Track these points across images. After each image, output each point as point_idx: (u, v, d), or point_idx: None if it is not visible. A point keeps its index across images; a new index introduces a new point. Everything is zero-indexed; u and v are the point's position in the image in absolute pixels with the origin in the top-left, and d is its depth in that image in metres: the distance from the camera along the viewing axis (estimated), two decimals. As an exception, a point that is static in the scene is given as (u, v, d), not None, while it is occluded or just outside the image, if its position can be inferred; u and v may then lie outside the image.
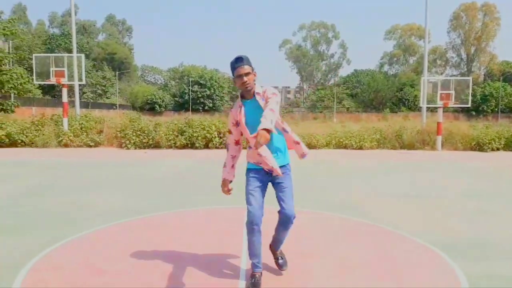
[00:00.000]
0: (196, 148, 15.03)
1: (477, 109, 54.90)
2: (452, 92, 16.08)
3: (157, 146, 15.19)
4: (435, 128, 16.33)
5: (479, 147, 15.72)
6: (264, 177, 3.14)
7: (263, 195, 3.14)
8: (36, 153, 13.31)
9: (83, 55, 17.88)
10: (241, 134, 3.20)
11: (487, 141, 15.55)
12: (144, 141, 14.90)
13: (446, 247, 4.06)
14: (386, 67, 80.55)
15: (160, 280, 3.25)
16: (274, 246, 3.41)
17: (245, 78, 2.97)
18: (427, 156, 14.01)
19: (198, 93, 58.08)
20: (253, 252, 3.14)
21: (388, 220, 5.16)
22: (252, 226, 3.03)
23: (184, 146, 15.20)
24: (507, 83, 58.24)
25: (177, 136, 15.26)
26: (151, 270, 3.46)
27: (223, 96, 61.00)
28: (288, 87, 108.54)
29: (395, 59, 79.27)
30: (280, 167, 3.08)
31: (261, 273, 3.18)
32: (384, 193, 7.14)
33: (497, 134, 15.84)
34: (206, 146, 15.23)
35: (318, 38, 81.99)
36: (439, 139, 15.87)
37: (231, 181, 3.28)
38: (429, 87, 20.44)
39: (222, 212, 5.66)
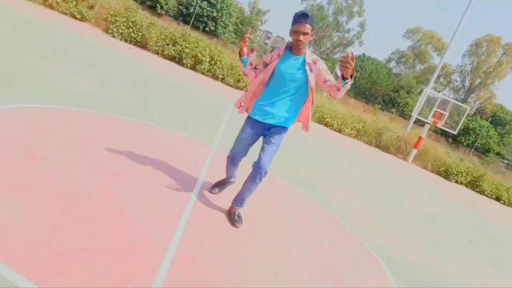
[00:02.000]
0: (183, 64, 14.21)
1: (455, 137, 56.05)
2: (446, 113, 15.92)
3: (143, 46, 14.23)
4: (414, 140, 16.28)
5: (446, 174, 15.89)
6: (260, 130, 3.16)
7: (250, 145, 3.23)
8: (16, 2, 12.07)
9: None
10: (264, 80, 3.09)
11: (456, 172, 15.72)
12: (132, 35, 13.87)
13: (389, 260, 3.87)
14: (392, 64, 79.68)
15: (92, 183, 2.82)
16: (235, 203, 3.35)
17: (302, 37, 2.88)
18: (397, 163, 14.00)
19: (205, 10, 55.20)
20: (228, 173, 3.56)
21: (347, 215, 4.92)
22: (231, 160, 3.34)
23: (170, 58, 14.33)
24: (492, 126, 59.34)
25: (167, 44, 14.31)
26: (88, 169, 3.02)
27: (228, 24, 58.39)
28: (277, 47, 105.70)
29: (404, 59, 78.36)
30: (278, 127, 3.11)
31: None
32: (350, 186, 6.93)
33: (466, 170, 16.01)
34: (193, 68, 14.44)
35: (343, 7, 79.12)
36: (414, 152, 15.88)
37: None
38: (425, 99, 20.21)
39: (185, 141, 5.22)
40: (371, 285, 3.28)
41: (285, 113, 3.07)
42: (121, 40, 13.67)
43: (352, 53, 2.57)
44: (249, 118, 3.19)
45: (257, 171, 3.08)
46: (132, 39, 13.82)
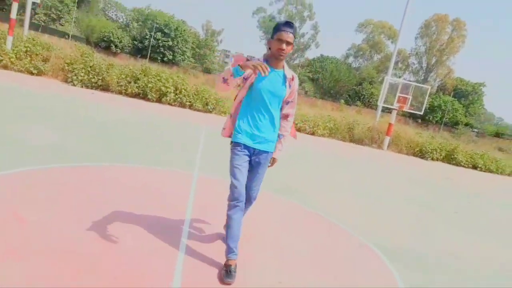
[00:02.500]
0: (148, 99, 14.27)
1: (423, 117, 57.68)
2: (410, 97, 16.53)
3: (105, 88, 14.21)
4: (385, 128, 16.79)
5: (421, 154, 16.43)
6: (249, 153, 2.93)
7: (247, 172, 2.95)
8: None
9: (40, -29, 16.07)
10: (242, 95, 2.90)
11: (430, 150, 16.28)
12: (93, 80, 13.86)
13: (385, 249, 4.06)
14: (351, 59, 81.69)
15: (82, 235, 2.89)
16: (229, 253, 2.94)
17: (285, 46, 2.73)
18: (374, 153, 14.39)
19: (160, 41, 55.34)
20: (231, 234, 2.85)
21: (334, 212, 5.10)
22: (236, 203, 2.82)
23: (135, 95, 14.37)
24: (456, 99, 61.49)
25: (129, 82, 14.36)
26: (75, 223, 3.09)
27: (185, 51, 58.69)
28: (253, 56, 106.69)
29: (361, 53, 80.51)
30: (265, 152, 2.97)
31: (236, 263, 2.85)
32: (332, 184, 7.15)
33: (439, 146, 16.61)
34: (159, 100, 14.52)
35: (294, 14, 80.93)
36: (387, 139, 16.36)
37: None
38: (387, 87, 20.90)
39: (165, 174, 5.31)
40: (376, 279, 3.45)
41: (271, 133, 2.94)
42: (82, 87, 13.63)
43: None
44: (236, 144, 2.91)
45: (250, 197, 3.03)
46: (93, 83, 13.80)
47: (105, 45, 53.11)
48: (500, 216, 7.75)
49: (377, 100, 59.76)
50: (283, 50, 2.72)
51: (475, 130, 62.46)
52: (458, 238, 5.33)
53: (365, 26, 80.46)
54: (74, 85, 13.56)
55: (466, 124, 60.78)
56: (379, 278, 3.42)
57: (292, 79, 2.91)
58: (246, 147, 2.88)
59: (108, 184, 4.36)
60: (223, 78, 2.77)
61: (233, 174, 2.85)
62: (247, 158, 2.90)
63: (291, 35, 2.73)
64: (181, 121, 11.29)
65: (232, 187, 2.83)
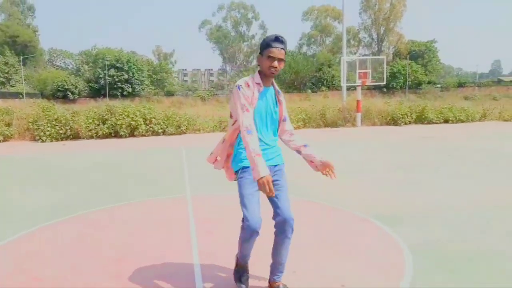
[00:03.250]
0: (121, 137, 14.24)
1: (387, 86, 59.20)
2: (369, 71, 17.07)
3: (76, 137, 14.12)
4: (354, 106, 17.26)
5: (394, 121, 16.98)
6: None
7: (260, 200, 2.64)
8: None
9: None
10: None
11: (401, 116, 16.84)
12: (61, 132, 13.73)
13: (383, 217, 4.30)
14: (305, 48, 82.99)
15: (103, 281, 3.00)
16: (274, 275, 2.76)
17: (277, 64, 2.53)
18: (349, 132, 14.78)
19: (115, 77, 54.79)
20: (243, 254, 2.75)
21: (325, 196, 5.33)
22: (251, 236, 2.54)
23: (107, 136, 14.32)
24: (413, 61, 63.33)
25: (98, 125, 14.30)
26: (92, 272, 3.18)
27: (143, 80, 58.31)
28: (211, 69, 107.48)
29: (312, 39, 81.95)
30: (276, 165, 2.74)
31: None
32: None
33: (409, 109, 17.21)
34: (132, 135, 14.51)
35: (239, 18, 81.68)
36: (359, 116, 16.83)
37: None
38: (346, 66, 21.48)
39: (160, 203, 5.41)
40: (381, 247, 3.67)
41: (276, 149, 2.78)
42: (52, 141, 13.48)
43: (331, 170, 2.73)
44: (244, 169, 2.61)
45: (286, 224, 2.60)
46: (62, 135, 13.68)
47: (62, 95, 52.26)
48: (481, 160, 8.17)
49: (339, 81, 60.72)
50: (276, 67, 2.54)
51: (438, 86, 64.56)
52: (448, 189, 5.65)
53: (310, 14, 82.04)
54: (43, 141, 13.40)
55: (429, 82, 62.74)
56: (383, 244, 3.65)
57: (279, 92, 2.75)
58: None
59: (111, 226, 4.44)
60: (215, 158, 2.79)
61: (245, 206, 2.52)
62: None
63: (282, 51, 2.54)
64: (159, 149, 11.34)
65: (246, 220, 2.50)
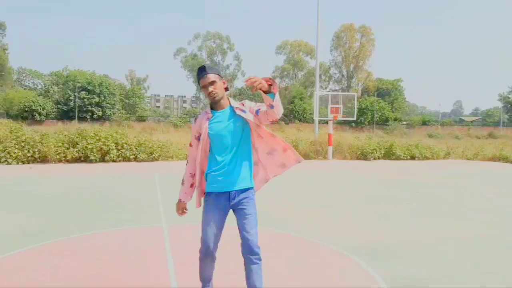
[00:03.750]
0: (91, 161, 13.90)
1: (356, 121, 61.16)
2: (341, 106, 17.66)
3: (44, 160, 13.66)
4: (326, 139, 17.68)
5: (363, 156, 17.47)
6: (226, 201, 2.77)
7: (223, 225, 2.81)
8: None
9: None
10: (205, 151, 2.82)
11: (370, 151, 17.37)
12: (28, 154, 13.27)
13: (358, 251, 4.40)
14: (278, 80, 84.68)
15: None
16: None
17: (211, 88, 2.71)
18: (321, 165, 15.08)
19: (86, 100, 53.82)
20: (203, 277, 2.91)
21: (299, 228, 5.40)
22: (206, 257, 2.80)
23: (76, 160, 13.95)
24: (380, 98, 65.89)
25: (68, 148, 13.93)
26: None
27: (114, 104, 57.51)
28: (184, 96, 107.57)
29: (285, 73, 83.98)
30: (243, 190, 2.79)
31: None
32: (293, 202, 7.48)
33: (378, 145, 17.79)
34: (102, 159, 14.20)
35: (214, 48, 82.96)
36: (330, 149, 17.23)
37: (186, 203, 2.98)
38: (318, 101, 22.11)
39: (134, 233, 5.31)
40: (358, 283, 3.75)
41: (244, 170, 2.80)
42: (18, 163, 13.00)
43: (249, 79, 2.45)
44: (208, 194, 2.80)
45: (251, 252, 2.72)
46: (29, 157, 13.22)
47: (28, 115, 50.67)
48: (449, 196, 8.53)
49: (311, 114, 61.96)
50: (212, 91, 2.71)
51: (404, 123, 67.16)
52: (419, 224, 5.86)
53: (283, 48, 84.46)
54: (9, 163, 12.89)
55: (395, 119, 65.22)
56: (359, 278, 3.73)
57: (243, 104, 2.84)
58: (219, 194, 2.75)
59: (80, 257, 4.32)
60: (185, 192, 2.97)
61: (202, 229, 2.78)
62: (222, 208, 2.77)
63: (210, 75, 2.71)
64: (131, 176, 11.15)
65: (202, 242, 2.78)
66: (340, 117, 17.62)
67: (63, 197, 7.77)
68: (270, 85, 2.53)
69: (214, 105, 2.80)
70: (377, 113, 62.47)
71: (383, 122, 63.65)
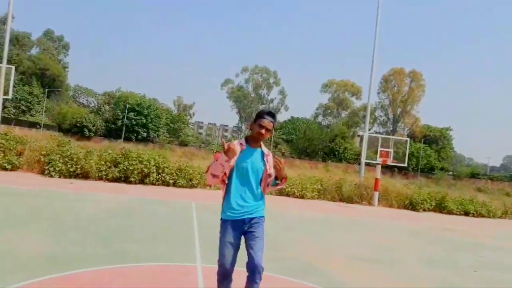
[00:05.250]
0: (130, 182, 13.76)
1: (400, 167, 58.98)
2: (391, 150, 16.74)
3: (85, 176, 13.69)
4: (371, 183, 16.71)
5: (412, 206, 16.27)
6: (240, 228, 3.11)
7: (238, 248, 3.11)
8: None
9: (13, 67, 16.14)
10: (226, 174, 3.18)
11: (420, 201, 16.17)
12: (71, 169, 13.35)
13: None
14: (320, 118, 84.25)
15: None
16: None
17: (265, 133, 3.10)
18: (367, 211, 14.11)
19: (133, 120, 55.70)
20: None
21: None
22: (224, 278, 3.05)
23: (116, 179, 13.87)
24: (427, 145, 63.48)
25: (110, 167, 13.91)
26: None
27: (159, 127, 59.08)
28: (227, 125, 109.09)
29: (329, 111, 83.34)
30: (256, 218, 3.15)
31: None
32: (341, 254, 6.73)
33: (428, 195, 16.57)
34: (141, 181, 14.04)
35: (260, 82, 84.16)
36: (376, 194, 16.21)
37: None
38: (358, 141, 21.26)
39: (167, 271, 4.80)
40: None
41: (257, 202, 3.16)
42: (60, 177, 13.07)
43: (280, 160, 3.05)
44: (225, 221, 3.15)
45: (255, 270, 3.03)
46: (71, 172, 13.28)
47: (78, 130, 52.95)
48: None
49: (351, 154, 60.69)
50: (263, 135, 3.11)
51: (451, 173, 64.01)
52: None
53: (329, 86, 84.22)
54: (51, 176, 12.99)
55: (441, 169, 62.36)
56: None
57: (268, 155, 3.24)
58: (235, 221, 3.09)
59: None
60: (212, 174, 3.10)
61: (221, 251, 3.07)
62: (237, 234, 3.09)
63: (271, 123, 3.12)
64: (168, 202, 10.80)
65: (220, 264, 3.05)
66: (389, 161, 16.68)
67: (99, 219, 7.46)
68: (283, 178, 3.18)
69: (252, 141, 3.20)
70: (422, 160, 60.04)
71: (429, 171, 60.95)
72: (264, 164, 3.19)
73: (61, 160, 13.24)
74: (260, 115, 3.13)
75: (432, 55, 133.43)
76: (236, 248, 3.09)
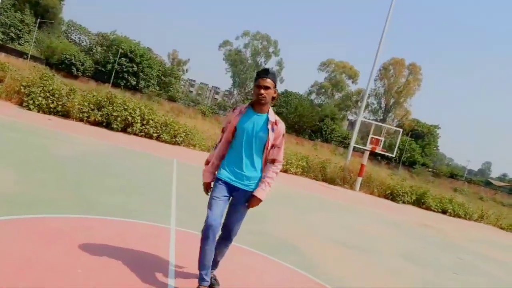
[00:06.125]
0: (112, 129, 13.17)
1: (382, 155, 59.39)
2: (382, 138, 16.46)
3: (65, 115, 13.01)
4: (356, 168, 16.52)
5: (392, 197, 16.20)
6: (230, 190, 3.02)
7: (225, 209, 3.03)
8: None
9: (1, -14, 14.95)
10: (228, 140, 3.08)
11: (401, 193, 16.10)
12: (51, 105, 12.65)
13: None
14: (313, 96, 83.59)
15: None
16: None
17: (263, 91, 2.91)
18: (349, 195, 13.96)
19: (124, 67, 53.99)
20: (202, 262, 2.92)
21: (335, 275, 4.38)
22: (207, 233, 2.87)
23: (97, 123, 13.25)
24: (413, 139, 63.89)
25: (92, 109, 13.25)
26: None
27: (150, 78, 57.58)
28: (218, 88, 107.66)
29: (323, 90, 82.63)
30: (246, 192, 3.04)
31: (208, 287, 3.00)
32: (322, 236, 6.46)
33: (410, 189, 16.50)
34: (124, 130, 13.46)
35: (259, 49, 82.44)
36: (359, 180, 16.06)
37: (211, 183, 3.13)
38: (346, 124, 20.95)
39: (138, 229, 4.41)
40: None
41: (252, 173, 3.00)
42: (39, 112, 12.39)
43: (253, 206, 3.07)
44: (218, 179, 3.04)
45: (227, 235, 3.13)
46: (52, 109, 12.59)
47: (66, 67, 51.10)
48: (504, 278, 7.32)
49: (338, 137, 60.64)
50: (262, 94, 2.90)
51: (431, 170, 64.89)
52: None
53: (327, 65, 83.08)
54: (30, 109, 12.30)
55: (423, 164, 63.07)
56: None
57: (276, 123, 3.01)
58: (227, 183, 2.99)
59: (74, 241, 3.43)
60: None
61: (209, 205, 2.96)
62: (226, 193, 2.99)
63: (268, 80, 2.91)
64: (149, 155, 10.34)
65: (206, 217, 2.91)
66: (379, 149, 16.42)
67: (74, 162, 6.97)
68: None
69: (256, 107, 3.00)
70: (406, 153, 60.49)
71: (410, 164, 61.59)
72: (267, 131, 2.95)
73: (42, 94, 12.52)
74: (256, 77, 2.97)
75: (432, 55, 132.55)
76: (224, 208, 3.00)
